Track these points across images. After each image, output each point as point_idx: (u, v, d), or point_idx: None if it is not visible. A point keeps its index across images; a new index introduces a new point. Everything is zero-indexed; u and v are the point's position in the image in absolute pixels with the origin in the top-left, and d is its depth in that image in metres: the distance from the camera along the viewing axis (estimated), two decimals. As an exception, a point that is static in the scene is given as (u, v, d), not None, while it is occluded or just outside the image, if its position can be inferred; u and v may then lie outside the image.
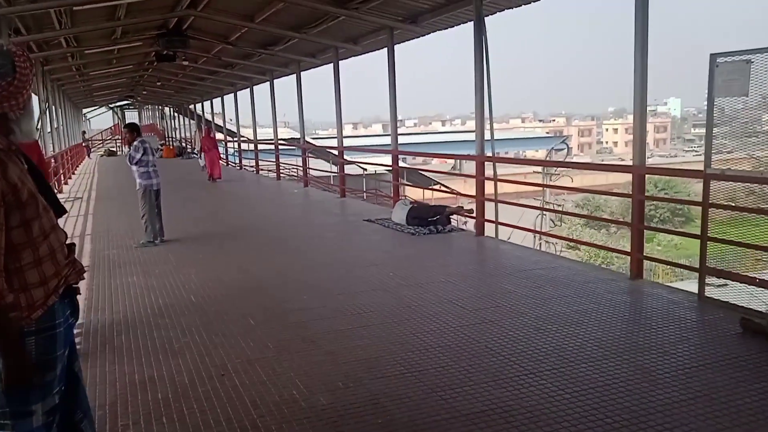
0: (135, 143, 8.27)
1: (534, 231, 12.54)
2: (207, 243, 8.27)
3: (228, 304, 5.39)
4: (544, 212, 20.68)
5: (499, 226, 8.24)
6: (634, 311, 5.07)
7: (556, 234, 18.81)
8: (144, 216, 8.25)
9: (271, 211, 11.45)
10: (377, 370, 3.86)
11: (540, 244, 19.66)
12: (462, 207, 8.89)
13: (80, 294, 2.44)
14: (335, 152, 32.28)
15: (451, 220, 9.00)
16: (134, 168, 8.30)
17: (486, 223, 8.26)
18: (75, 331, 4.52)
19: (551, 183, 19.83)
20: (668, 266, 19.21)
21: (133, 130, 8.50)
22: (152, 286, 6.05)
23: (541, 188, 22.38)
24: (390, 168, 34.76)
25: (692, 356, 3.94)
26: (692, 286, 5.43)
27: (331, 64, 13.34)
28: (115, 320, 4.99)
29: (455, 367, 3.85)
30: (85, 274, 2.44)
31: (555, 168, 20.63)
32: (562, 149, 32.99)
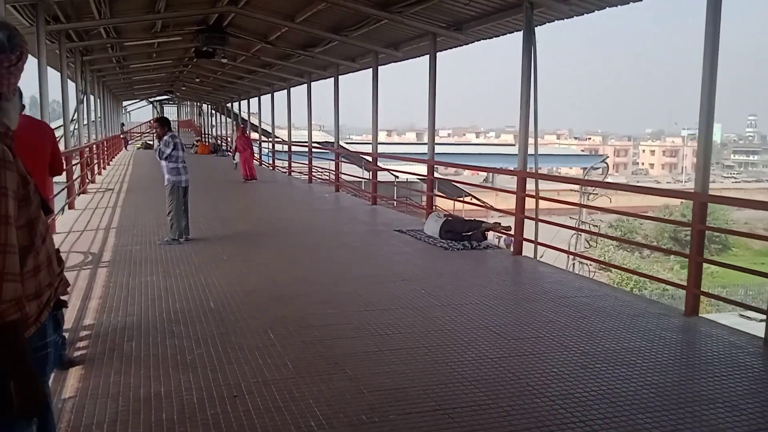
0: (165, 138, 8.05)
1: (578, 255, 12.01)
2: (232, 244, 7.99)
3: (248, 312, 5.05)
4: (580, 233, 20.00)
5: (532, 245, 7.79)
6: (692, 353, 4.58)
7: (596, 258, 18.11)
8: (170, 213, 8.01)
9: (301, 215, 11.16)
10: (405, 404, 3.46)
11: (573, 264, 19.03)
12: (499, 223, 8.45)
13: (67, 307, 2.11)
14: (368, 158, 32.07)
15: (487, 236, 8.56)
16: (163, 163, 8.08)
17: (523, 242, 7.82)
18: (83, 333, 4.23)
19: (590, 202, 19.22)
20: (706, 297, 18.39)
21: (164, 124, 8.29)
22: (171, 287, 5.76)
23: (575, 207, 21.75)
24: (422, 177, 34.43)
25: (766, 415, 3.46)
26: (752, 327, 4.94)
27: (370, 69, 13.05)
28: (128, 323, 4.69)
29: (494, 408, 3.43)
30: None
31: (593, 188, 19.96)
32: (599, 168, 32.22)
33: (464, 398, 3.55)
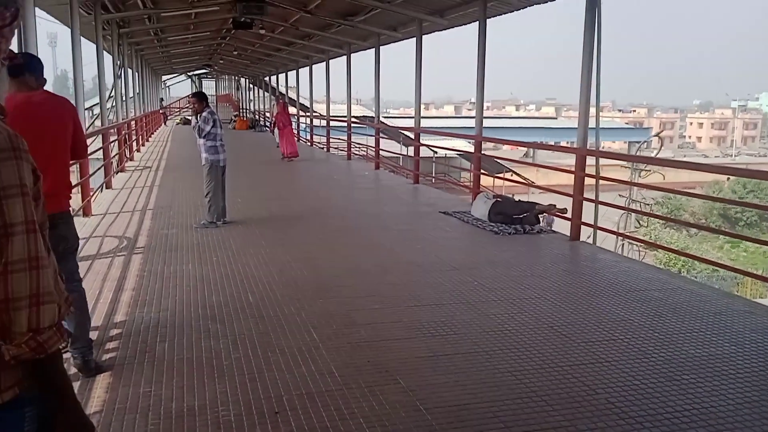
0: (204, 114, 7.68)
1: (634, 239, 11.27)
2: (271, 227, 7.63)
3: (288, 307, 4.66)
4: (630, 212, 19.05)
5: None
6: (792, 363, 4.01)
7: (649, 241, 17.22)
8: (208, 194, 7.67)
9: (341, 195, 10.75)
10: (469, 424, 3.02)
11: (622, 245, 18.23)
12: (554, 205, 7.86)
13: (71, 335, 1.72)
14: (407, 133, 31.33)
15: (540, 219, 8.00)
16: (201, 141, 7.72)
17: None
18: (114, 332, 3.90)
19: (642, 179, 18.32)
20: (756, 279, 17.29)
21: (202, 99, 7.90)
22: (207, 277, 5.42)
23: (619, 184, 20.66)
24: (462, 153, 33.68)
25: None
26: None
27: (411, 39, 12.42)
28: (161, 321, 4.35)
29: (571, 431, 2.97)
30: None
31: (645, 164, 18.95)
32: (650, 141, 30.86)
33: (535, 418, 3.10)
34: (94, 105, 19.54)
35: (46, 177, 3.18)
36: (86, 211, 8.13)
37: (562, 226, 8.04)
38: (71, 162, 3.73)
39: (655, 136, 23.13)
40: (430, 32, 12.64)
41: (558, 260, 6.50)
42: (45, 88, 3.42)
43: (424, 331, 4.25)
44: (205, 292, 5.01)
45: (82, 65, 8.38)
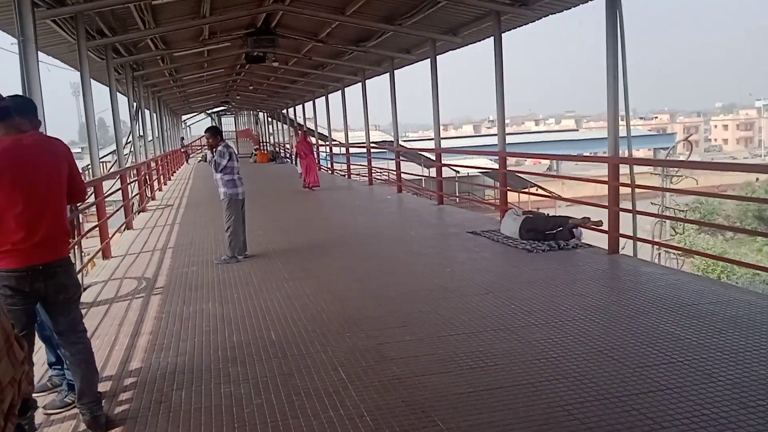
0: (219, 148, 7.49)
1: (673, 247, 10.78)
2: (293, 259, 7.35)
3: (314, 344, 4.35)
4: (665, 219, 18.42)
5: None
6: None
7: (686, 248, 16.54)
8: (229, 228, 7.45)
9: (365, 222, 10.46)
10: (522, 472, 2.66)
11: (659, 254, 17.59)
12: (588, 218, 7.47)
13: (36, 408, 1.43)
14: (428, 154, 31.08)
15: (575, 233, 7.60)
16: (218, 176, 7.53)
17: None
18: (128, 381, 3.62)
19: (674, 185, 17.75)
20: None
21: (216, 133, 7.73)
22: (228, 316, 5.14)
23: (650, 190, 20.07)
24: (485, 170, 33.22)
25: None
26: None
27: (426, 61, 12.23)
28: (179, 366, 4.07)
29: (641, 476, 2.58)
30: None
31: (677, 169, 18.38)
32: (674, 147, 30.13)
33: (597, 461, 2.72)
34: (110, 153, 19.65)
35: (41, 223, 2.96)
36: (105, 254, 7.96)
37: (594, 239, 7.63)
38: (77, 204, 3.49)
39: (684, 140, 22.47)
40: (444, 52, 12.45)
41: (598, 276, 6.09)
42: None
43: (461, 363, 3.89)
44: (226, 332, 4.73)
45: (94, 109, 8.31)
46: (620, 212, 6.82)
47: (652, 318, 4.60)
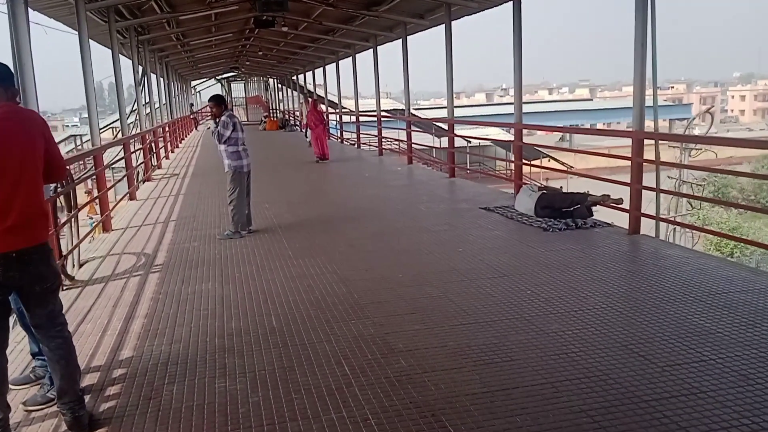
0: (223, 118, 7.16)
1: (694, 227, 10.36)
2: (299, 235, 7.07)
3: (317, 332, 4.09)
4: (680, 197, 17.91)
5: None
6: None
7: (710, 229, 16.06)
8: (232, 202, 7.17)
9: (374, 194, 10.13)
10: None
11: (674, 229, 17.15)
12: (608, 195, 7.10)
13: None
14: (440, 124, 30.53)
15: (593, 211, 7.25)
16: (222, 147, 7.21)
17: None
18: (117, 373, 3.37)
19: (693, 159, 17.24)
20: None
21: (220, 102, 7.37)
22: (228, 298, 4.88)
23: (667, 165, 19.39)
24: (496, 141, 32.60)
25: None
26: None
27: (440, 26, 11.73)
28: (172, 355, 3.82)
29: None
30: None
31: (695, 143, 17.76)
32: (692, 119, 29.32)
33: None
34: (113, 122, 19.26)
35: (13, 205, 2.65)
36: (106, 227, 7.72)
37: (610, 216, 7.27)
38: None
39: (704, 112, 21.72)
40: (460, 17, 11.93)
41: (619, 259, 5.76)
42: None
43: (474, 357, 3.61)
44: (224, 316, 4.47)
45: (98, 75, 7.96)
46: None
47: (679, 308, 4.29)
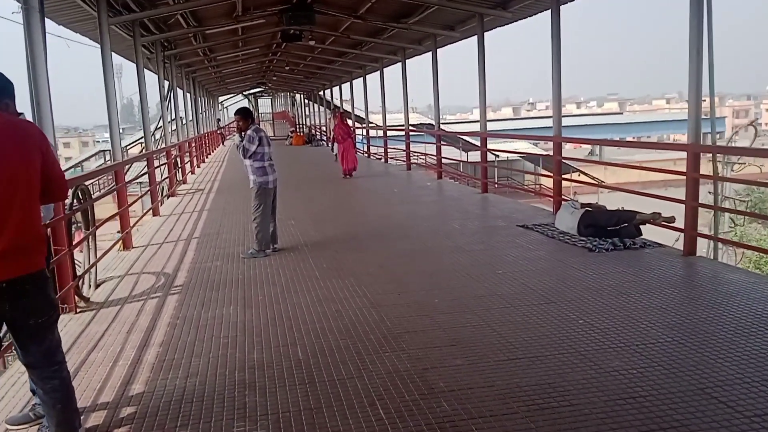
0: (249, 132, 6.85)
1: (752, 248, 9.76)
2: (326, 254, 6.69)
3: (347, 366, 3.68)
4: (723, 212, 17.09)
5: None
6: None
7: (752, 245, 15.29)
8: (256, 219, 6.83)
9: (404, 211, 9.72)
10: None
11: (714, 248, 16.33)
12: (659, 213, 6.59)
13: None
14: (468, 138, 30.05)
15: (641, 230, 6.74)
16: (248, 162, 6.89)
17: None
18: (126, 412, 3.00)
19: (736, 174, 16.50)
20: None
21: (247, 116, 7.06)
22: (250, 324, 4.51)
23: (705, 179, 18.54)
24: (526, 155, 32.02)
25: None
26: None
27: (470, 38, 11.38)
28: (187, 391, 3.43)
29: None
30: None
31: (738, 156, 17.01)
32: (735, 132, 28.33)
33: None
34: (137, 141, 19.20)
35: (4, 228, 2.29)
36: (126, 244, 7.43)
37: (656, 235, 6.76)
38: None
39: (749, 124, 20.90)
40: (492, 28, 11.56)
41: (677, 284, 5.25)
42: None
43: (526, 400, 3.16)
44: (246, 346, 4.09)
45: (114, 83, 7.72)
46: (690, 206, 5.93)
47: (756, 344, 3.78)
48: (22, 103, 3.05)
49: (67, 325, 4.66)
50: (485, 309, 4.62)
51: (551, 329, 4.14)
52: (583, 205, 7.35)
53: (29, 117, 4.09)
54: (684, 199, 5.93)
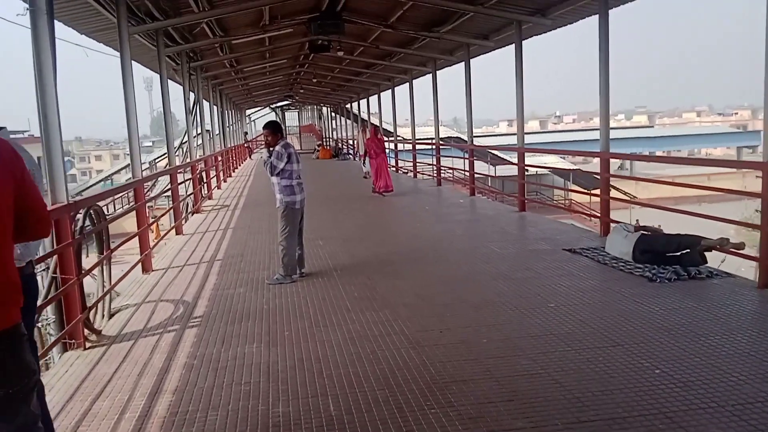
0: (277, 148, 6.39)
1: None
2: (357, 280, 6.17)
3: (387, 427, 3.13)
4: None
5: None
6: None
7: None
8: (282, 242, 6.35)
9: (438, 231, 9.16)
10: None
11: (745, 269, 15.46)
12: (726, 239, 5.94)
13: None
14: (500, 152, 29.37)
15: (706, 258, 6.08)
16: (275, 179, 6.42)
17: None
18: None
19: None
20: None
21: (276, 130, 6.60)
22: (274, 367, 3.99)
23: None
24: (552, 169, 31.18)
25: None
26: None
27: (507, 47, 10.84)
28: (200, 457, 2.93)
29: None
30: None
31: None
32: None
33: None
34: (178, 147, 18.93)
35: None
36: (145, 267, 7.01)
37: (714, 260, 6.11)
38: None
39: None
40: (530, 36, 11.01)
41: (754, 323, 4.59)
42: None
43: (610, 481, 2.58)
44: (270, 395, 3.57)
45: (134, 96, 7.35)
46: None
47: None
48: (31, 114, 2.60)
49: (74, 365, 4.21)
50: (542, 353, 4.04)
51: (623, 381, 3.54)
52: (637, 228, 6.72)
53: (35, 130, 3.64)
54: (759, 224, 5.27)
